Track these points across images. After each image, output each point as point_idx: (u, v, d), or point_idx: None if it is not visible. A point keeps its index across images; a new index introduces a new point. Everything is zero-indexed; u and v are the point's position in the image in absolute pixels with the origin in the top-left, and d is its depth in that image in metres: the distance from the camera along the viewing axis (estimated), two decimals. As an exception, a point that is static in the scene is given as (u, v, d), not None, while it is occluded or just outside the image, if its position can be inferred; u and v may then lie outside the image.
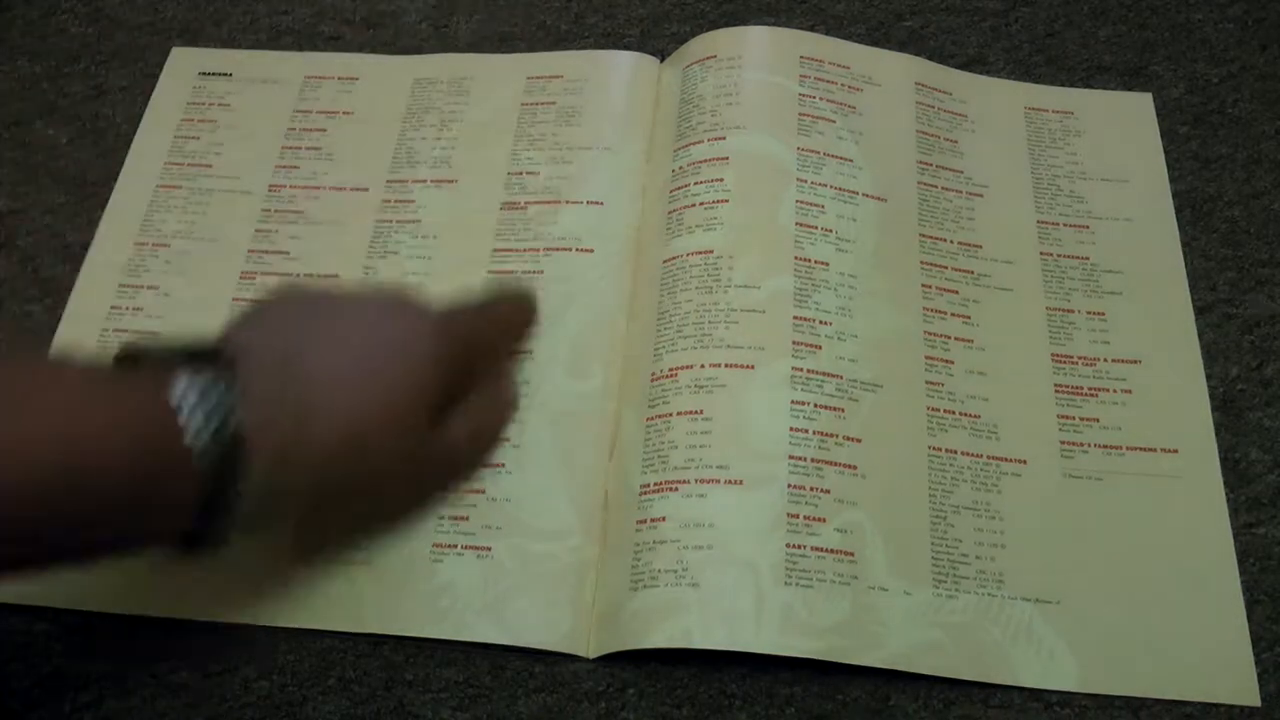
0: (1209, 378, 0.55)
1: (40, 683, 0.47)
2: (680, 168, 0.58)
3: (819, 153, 0.58)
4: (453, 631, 0.48)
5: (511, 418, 0.50)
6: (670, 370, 0.52)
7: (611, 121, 0.62)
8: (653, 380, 0.53)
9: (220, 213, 0.61)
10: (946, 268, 0.57)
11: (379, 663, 0.48)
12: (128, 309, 0.58)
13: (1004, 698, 0.47)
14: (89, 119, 0.65)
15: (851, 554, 0.48)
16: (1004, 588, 0.49)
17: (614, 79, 0.64)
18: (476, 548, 0.50)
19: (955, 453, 0.52)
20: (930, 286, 0.56)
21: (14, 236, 0.60)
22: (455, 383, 0.46)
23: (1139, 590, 0.49)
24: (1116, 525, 0.51)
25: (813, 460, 0.50)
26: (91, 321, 0.57)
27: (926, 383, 0.53)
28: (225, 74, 0.66)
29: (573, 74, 0.64)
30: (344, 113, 0.64)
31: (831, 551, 0.48)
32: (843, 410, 0.51)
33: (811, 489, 0.49)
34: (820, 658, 0.46)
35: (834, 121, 0.60)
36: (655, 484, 0.50)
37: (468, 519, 0.51)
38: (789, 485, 0.49)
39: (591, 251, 0.58)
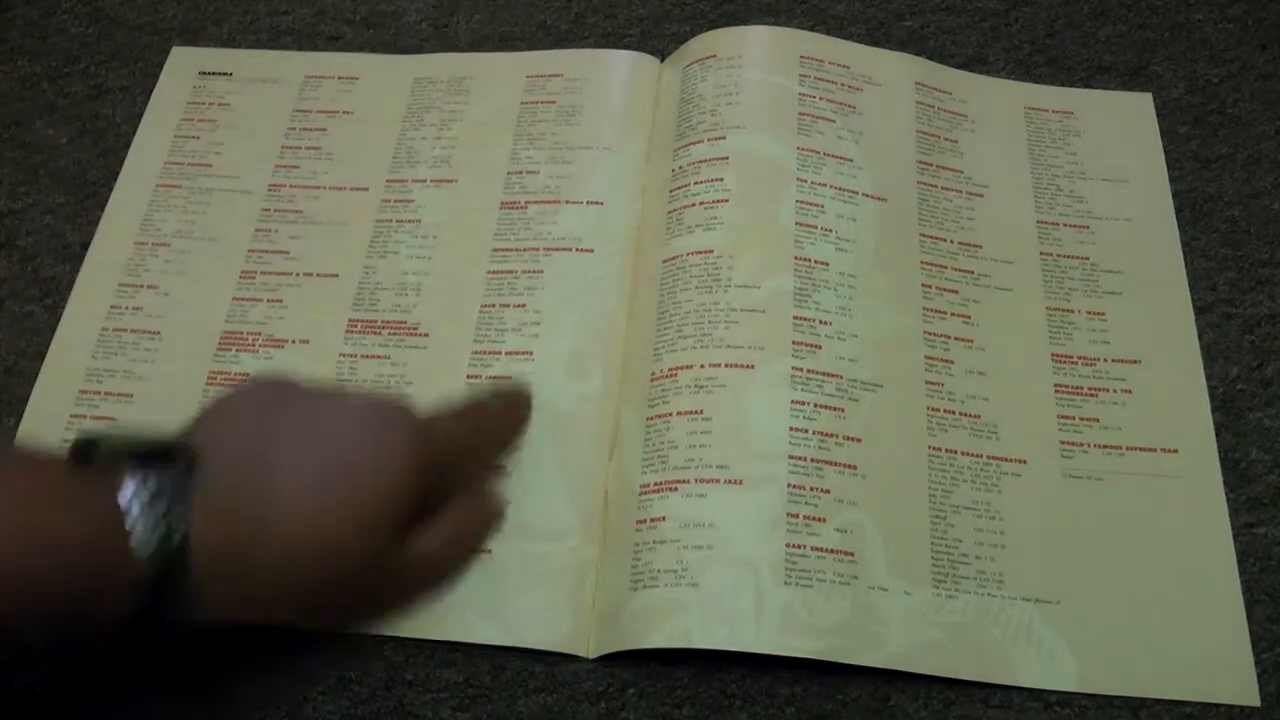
0: (1209, 378, 0.55)
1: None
2: (680, 167, 0.58)
3: (819, 152, 0.58)
4: (453, 632, 0.48)
5: (491, 532, 0.48)
6: (670, 370, 0.52)
7: (611, 121, 0.62)
8: (653, 380, 0.53)
9: (220, 212, 0.61)
10: (946, 268, 0.57)
11: (379, 663, 0.48)
12: (128, 308, 0.58)
13: (1004, 698, 0.47)
14: (89, 119, 0.65)
15: (851, 554, 0.48)
16: (1004, 588, 0.49)
17: (614, 78, 0.64)
18: (476, 548, 0.50)
19: (955, 453, 0.52)
20: (930, 286, 0.56)
21: (14, 236, 0.60)
22: (432, 492, 0.43)
23: (1139, 590, 0.49)
24: (1116, 525, 0.51)
25: (813, 460, 0.50)
26: (91, 321, 0.57)
27: (926, 382, 0.53)
28: (225, 73, 0.66)
29: (572, 73, 0.64)
30: (344, 112, 0.64)
31: (831, 551, 0.48)
32: (843, 410, 0.51)
33: (811, 489, 0.49)
34: (820, 658, 0.46)
35: (834, 121, 0.60)
36: (655, 484, 0.50)
37: (468, 519, 0.51)
38: (789, 485, 0.49)
39: (591, 251, 0.58)
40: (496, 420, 0.48)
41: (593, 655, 0.48)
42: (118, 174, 0.62)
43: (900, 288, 0.56)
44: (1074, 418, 0.53)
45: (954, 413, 0.53)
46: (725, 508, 0.49)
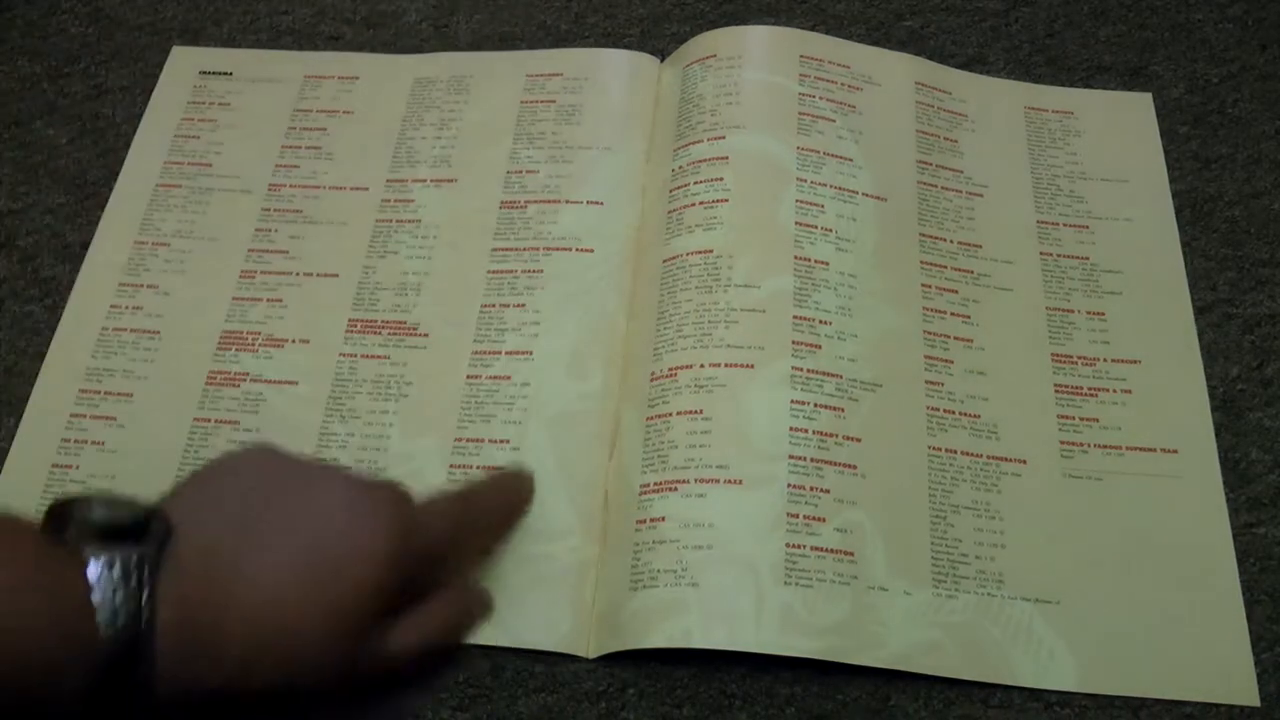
0: (1209, 378, 0.54)
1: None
2: (680, 167, 0.58)
3: (819, 152, 0.58)
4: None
5: (475, 627, 0.48)
6: (670, 370, 0.52)
7: (611, 121, 0.62)
8: (652, 380, 0.53)
9: (220, 212, 0.61)
10: (946, 267, 0.57)
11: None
12: (128, 308, 0.58)
13: (1004, 698, 0.47)
14: (89, 119, 0.65)
15: (851, 554, 0.48)
16: (1004, 588, 0.49)
17: (614, 78, 0.64)
18: (476, 547, 0.50)
19: (955, 452, 0.52)
20: (930, 286, 0.56)
21: (14, 236, 0.60)
22: (416, 582, 0.42)
23: (1139, 590, 0.49)
24: (1116, 525, 0.51)
25: (812, 460, 0.50)
26: (91, 321, 0.57)
27: (926, 382, 0.53)
28: (226, 73, 0.66)
29: (572, 72, 0.64)
30: (344, 112, 0.64)
31: (831, 551, 0.48)
32: (842, 410, 0.51)
33: (811, 489, 0.49)
34: (820, 658, 0.46)
35: (834, 121, 0.60)
36: (655, 484, 0.50)
37: (467, 519, 0.51)
38: (789, 485, 0.49)
39: (591, 251, 0.58)
40: (491, 511, 0.47)
41: (593, 655, 0.48)
42: (118, 174, 0.62)
43: (900, 287, 0.56)
44: (1074, 418, 0.53)
45: (954, 412, 0.53)
46: (725, 507, 0.49)
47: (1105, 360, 0.55)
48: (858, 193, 0.58)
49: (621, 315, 0.56)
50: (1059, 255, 0.58)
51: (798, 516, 0.48)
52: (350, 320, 0.57)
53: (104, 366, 0.56)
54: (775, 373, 0.51)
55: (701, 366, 0.52)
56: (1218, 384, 0.54)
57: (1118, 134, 0.63)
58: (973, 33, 0.67)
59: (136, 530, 0.37)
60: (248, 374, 0.55)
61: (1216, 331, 0.56)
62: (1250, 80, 0.65)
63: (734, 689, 0.47)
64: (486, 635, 0.48)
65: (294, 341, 0.56)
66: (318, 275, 0.59)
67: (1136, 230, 0.59)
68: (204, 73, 0.66)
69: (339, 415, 0.54)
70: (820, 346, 0.53)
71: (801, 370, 0.52)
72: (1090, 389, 0.54)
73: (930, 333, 0.55)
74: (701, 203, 0.56)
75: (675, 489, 0.49)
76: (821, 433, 0.50)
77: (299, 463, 0.43)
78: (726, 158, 0.58)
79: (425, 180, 0.61)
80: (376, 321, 0.57)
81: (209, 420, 0.54)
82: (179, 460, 0.53)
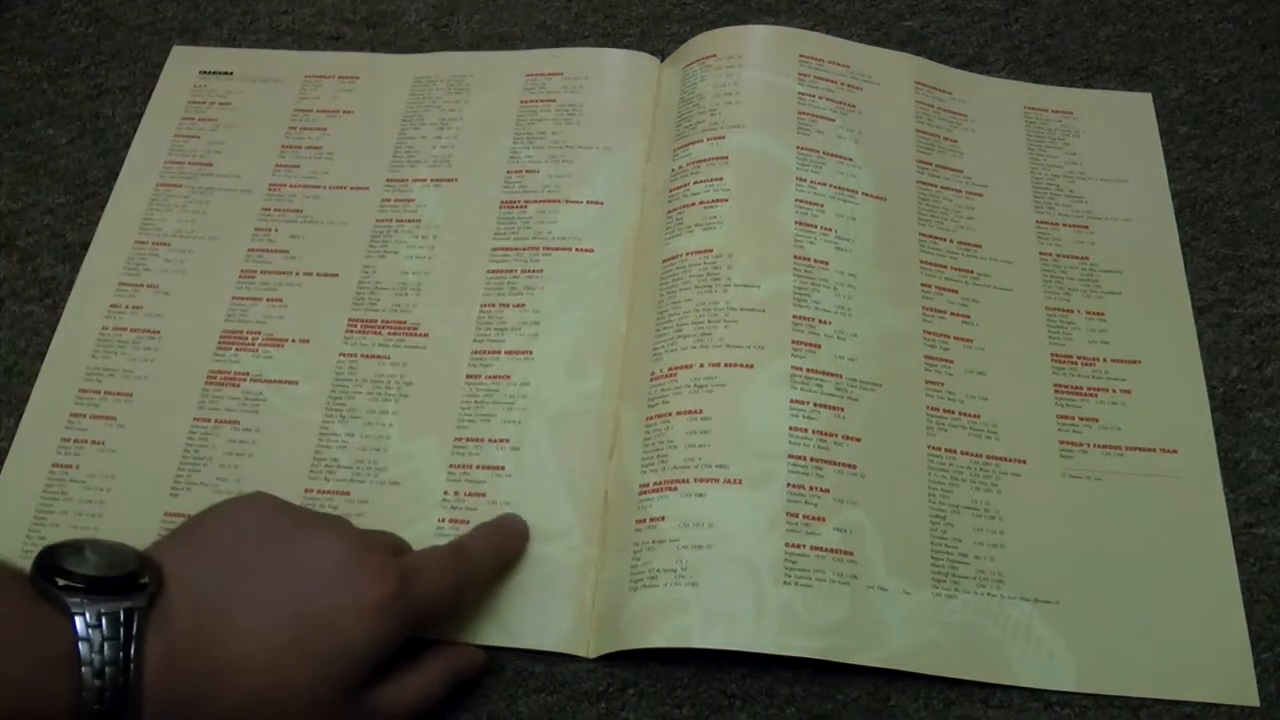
0: (1209, 378, 0.55)
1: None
2: (680, 167, 0.58)
3: (818, 151, 0.58)
4: (453, 633, 0.48)
5: (468, 678, 0.47)
6: (670, 370, 0.52)
7: (611, 121, 0.62)
8: (652, 380, 0.53)
9: (220, 211, 0.61)
10: (946, 267, 0.57)
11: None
12: (128, 307, 0.58)
13: (1004, 698, 0.47)
14: (89, 119, 0.65)
15: (851, 553, 0.48)
16: (1003, 587, 0.49)
17: (614, 78, 0.64)
18: (476, 547, 0.50)
19: (955, 452, 0.52)
20: (930, 286, 0.56)
21: (14, 236, 0.60)
22: (409, 634, 0.42)
23: (1139, 590, 0.49)
24: (1116, 525, 0.51)
25: (812, 459, 0.50)
26: (91, 321, 0.57)
27: (926, 382, 0.53)
28: (226, 73, 0.66)
29: (572, 71, 0.64)
30: (344, 111, 0.64)
31: (831, 551, 0.48)
32: (842, 409, 0.51)
33: (811, 488, 0.49)
34: (820, 657, 0.46)
35: (833, 120, 0.60)
36: (655, 483, 0.50)
37: (468, 522, 0.51)
38: (788, 484, 0.49)
39: (591, 251, 0.58)
40: (484, 564, 0.47)
41: (592, 655, 0.48)
42: (118, 174, 0.62)
43: (900, 287, 0.56)
44: (1073, 418, 0.53)
45: (953, 412, 0.53)
46: (725, 507, 0.48)
47: (1105, 360, 0.55)
48: (857, 192, 0.58)
49: (621, 315, 0.56)
50: (1059, 255, 0.58)
51: (797, 516, 0.48)
52: (350, 320, 0.57)
53: (104, 366, 0.56)
54: (775, 372, 0.51)
55: (701, 366, 0.52)
56: (1218, 384, 0.54)
57: (1117, 134, 0.63)
58: (973, 33, 0.67)
59: (127, 581, 0.37)
60: (248, 374, 0.55)
61: (1216, 331, 0.56)
62: (1250, 80, 0.65)
63: (734, 689, 0.47)
64: (486, 635, 0.48)
65: (294, 341, 0.56)
66: (318, 275, 0.59)
67: (1136, 230, 0.59)
68: (204, 72, 0.66)
69: (339, 415, 0.54)
70: (820, 346, 0.53)
71: (801, 370, 0.52)
72: (1090, 389, 0.54)
73: (930, 332, 0.55)
74: (701, 202, 0.56)
75: (675, 489, 0.49)
76: (821, 432, 0.50)
77: (292, 515, 0.43)
78: (726, 157, 0.58)
79: (425, 180, 0.61)
80: (376, 321, 0.57)
81: (209, 420, 0.54)
82: (179, 460, 0.53)
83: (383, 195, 0.61)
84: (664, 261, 0.56)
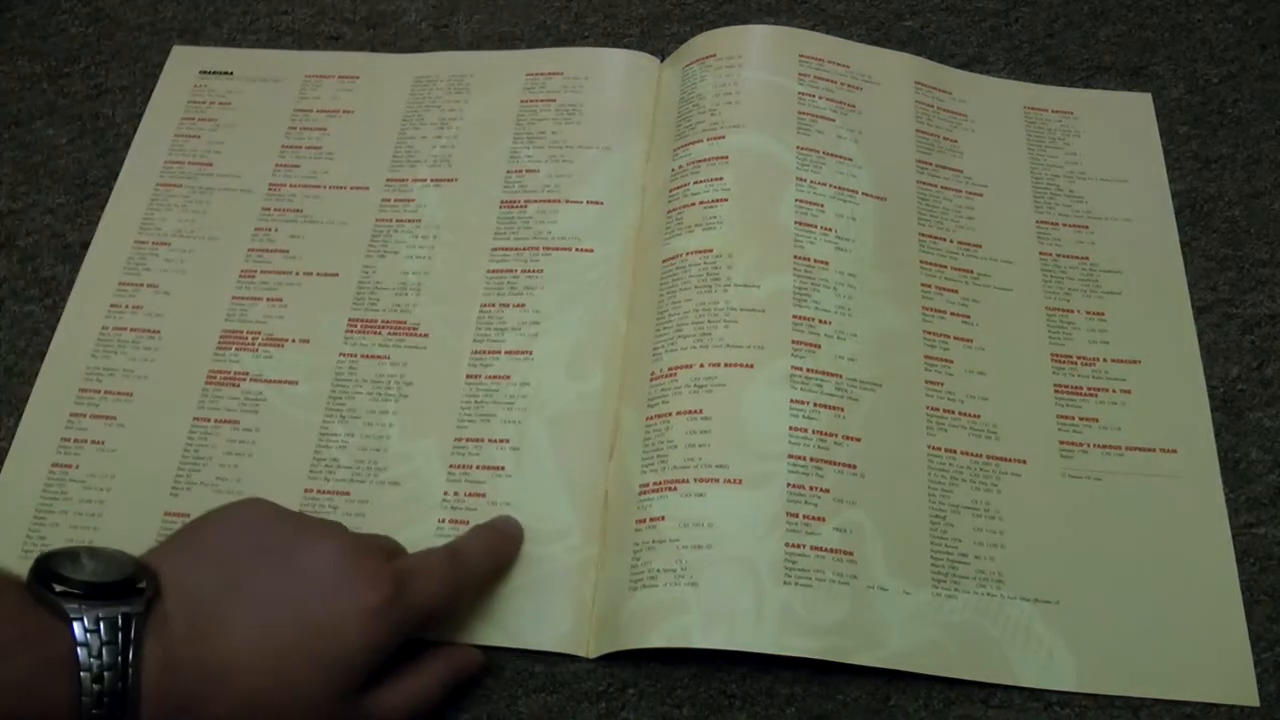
0: (1209, 378, 0.55)
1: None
2: (680, 167, 0.58)
3: (818, 151, 0.58)
4: (454, 634, 0.48)
5: (465, 679, 0.47)
6: (670, 370, 0.52)
7: (611, 121, 0.62)
8: (652, 380, 0.53)
9: (220, 211, 0.61)
10: (946, 267, 0.57)
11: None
12: (128, 307, 0.58)
13: (1004, 698, 0.47)
14: (89, 119, 0.65)
15: (851, 553, 0.48)
16: (1003, 587, 0.49)
17: (614, 77, 0.64)
18: (476, 547, 0.50)
19: (955, 452, 0.52)
20: (930, 286, 0.56)
21: (14, 236, 0.60)
22: (405, 638, 0.43)
23: (1138, 590, 0.49)
24: (1116, 525, 0.51)
25: (812, 459, 0.50)
26: (91, 320, 0.57)
27: (926, 382, 0.53)
28: (226, 73, 0.66)
29: (572, 71, 0.64)
30: (344, 111, 0.64)
31: (831, 551, 0.48)
32: (842, 409, 0.51)
33: (811, 488, 0.49)
34: (820, 657, 0.46)
35: (833, 120, 0.60)
36: (654, 483, 0.50)
37: (468, 522, 0.51)
38: (788, 484, 0.49)
39: (591, 251, 0.58)
40: (480, 566, 0.48)
41: (592, 655, 0.48)
42: (118, 174, 0.62)
43: (900, 287, 0.56)
44: (1073, 418, 0.53)
45: (953, 412, 0.53)
46: (724, 507, 0.48)
47: (1105, 360, 0.55)
48: (857, 192, 0.58)
49: (621, 315, 0.56)
50: (1059, 255, 0.58)
51: (797, 516, 0.48)
52: (350, 320, 0.57)
53: (104, 366, 0.56)
54: (775, 372, 0.51)
55: (701, 366, 0.52)
56: (1218, 384, 0.54)
57: (1117, 134, 0.63)
58: (973, 33, 0.67)
59: (124, 587, 0.37)
60: (248, 373, 0.55)
61: (1216, 331, 0.56)
62: (1250, 80, 0.65)
63: (734, 689, 0.47)
64: (487, 635, 0.48)
65: (294, 341, 0.56)
66: (318, 275, 0.59)
67: (1136, 230, 0.59)
68: (204, 72, 0.66)
69: (339, 415, 0.54)
70: (820, 346, 0.52)
71: (801, 370, 0.52)
72: (1090, 389, 0.54)
73: (930, 332, 0.55)
74: (701, 202, 0.56)
75: (675, 488, 0.49)
76: (821, 432, 0.50)
77: (289, 520, 0.44)
78: (726, 157, 0.58)
79: (425, 180, 0.61)
80: (376, 321, 0.57)
81: (209, 419, 0.54)
82: (179, 459, 0.53)
83: (383, 195, 0.61)
84: (664, 261, 0.56)
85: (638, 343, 0.54)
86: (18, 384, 0.55)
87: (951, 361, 0.54)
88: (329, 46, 0.67)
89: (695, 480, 0.49)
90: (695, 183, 0.57)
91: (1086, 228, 0.59)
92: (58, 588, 0.37)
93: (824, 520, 0.49)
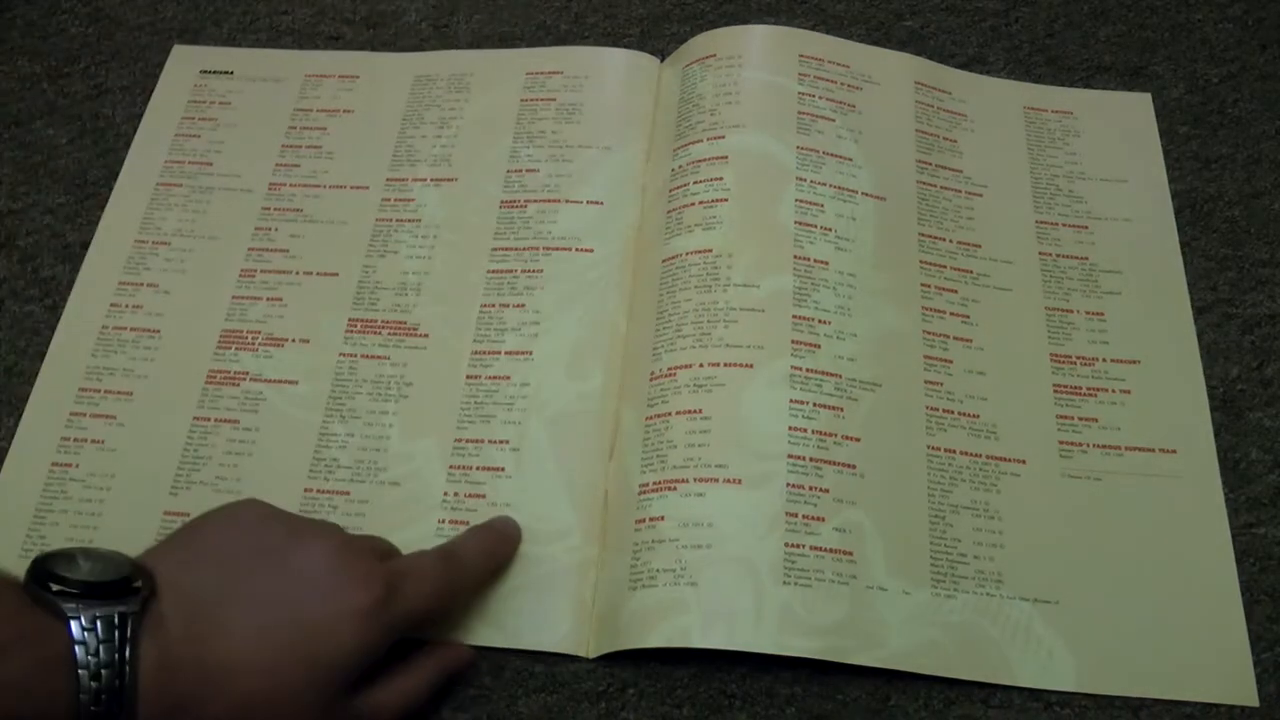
0: (1209, 378, 0.55)
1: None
2: (680, 167, 0.58)
3: (818, 151, 0.58)
4: (452, 634, 0.48)
5: (458, 675, 0.47)
6: (669, 370, 0.52)
7: (611, 121, 0.62)
8: (652, 380, 0.53)
9: (220, 211, 0.61)
10: (945, 267, 0.57)
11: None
12: (128, 307, 0.58)
13: (1004, 698, 0.47)
14: (89, 119, 0.65)
15: (850, 553, 0.48)
16: (1003, 587, 0.49)
17: (614, 77, 0.64)
18: (476, 547, 0.50)
19: (954, 452, 0.52)
20: (929, 286, 0.56)
21: (14, 236, 0.60)
22: (399, 641, 0.43)
23: (1138, 590, 0.49)
24: (1115, 525, 0.51)
25: (812, 459, 0.50)
26: (91, 320, 0.57)
27: (925, 382, 0.53)
28: (226, 72, 0.66)
29: (573, 70, 0.64)
30: (344, 111, 0.64)
31: (830, 551, 0.48)
32: (842, 409, 0.51)
33: (810, 488, 0.49)
34: (819, 657, 0.46)
35: (833, 120, 0.60)
36: (654, 483, 0.50)
37: (468, 523, 0.51)
38: (788, 484, 0.49)
39: (591, 251, 0.58)
40: (475, 566, 0.48)
41: (592, 655, 0.48)
42: (118, 174, 0.62)
43: (899, 287, 0.56)
44: (1073, 418, 0.53)
45: (953, 412, 0.53)
46: (724, 507, 0.48)
47: (1104, 360, 0.55)
48: (857, 192, 0.58)
49: (621, 315, 0.56)
50: (1058, 255, 0.58)
51: (797, 516, 0.48)
52: (350, 320, 0.57)
53: (104, 365, 0.56)
54: (774, 372, 0.51)
55: (701, 366, 0.52)
56: (1217, 384, 0.54)
57: (1117, 134, 0.63)
58: (973, 33, 0.67)
59: (120, 586, 0.38)
60: (248, 373, 0.55)
61: (1216, 331, 0.56)
62: (1250, 80, 0.65)
63: (734, 689, 0.47)
64: (486, 636, 0.48)
65: (294, 341, 0.57)
66: (318, 274, 0.59)
67: (1136, 230, 0.59)
68: (204, 72, 0.66)
69: (339, 415, 0.54)
70: (819, 346, 0.52)
71: (801, 370, 0.52)
72: (1089, 389, 0.54)
73: (929, 332, 0.55)
74: (701, 202, 0.56)
75: (674, 488, 0.49)
76: (821, 432, 0.50)
77: (285, 521, 0.44)
78: (726, 157, 0.58)
79: (425, 179, 0.61)
80: (376, 321, 0.57)
81: (209, 419, 0.54)
82: (179, 459, 0.53)
83: (383, 195, 0.61)
84: (664, 261, 0.56)
85: (637, 343, 0.54)
86: (18, 384, 0.56)
87: (951, 361, 0.54)
88: (329, 46, 0.67)
89: (695, 480, 0.49)
90: (695, 182, 0.57)
91: (1086, 228, 0.59)
92: (55, 587, 0.37)
93: (823, 520, 0.49)
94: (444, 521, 0.51)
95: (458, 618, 0.48)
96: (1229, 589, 0.49)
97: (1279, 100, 0.64)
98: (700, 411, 0.51)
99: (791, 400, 0.51)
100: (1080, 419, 0.53)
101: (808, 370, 0.52)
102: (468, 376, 0.55)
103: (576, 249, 0.58)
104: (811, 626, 0.46)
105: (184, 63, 0.67)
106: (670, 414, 0.51)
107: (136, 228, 0.60)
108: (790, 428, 0.50)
